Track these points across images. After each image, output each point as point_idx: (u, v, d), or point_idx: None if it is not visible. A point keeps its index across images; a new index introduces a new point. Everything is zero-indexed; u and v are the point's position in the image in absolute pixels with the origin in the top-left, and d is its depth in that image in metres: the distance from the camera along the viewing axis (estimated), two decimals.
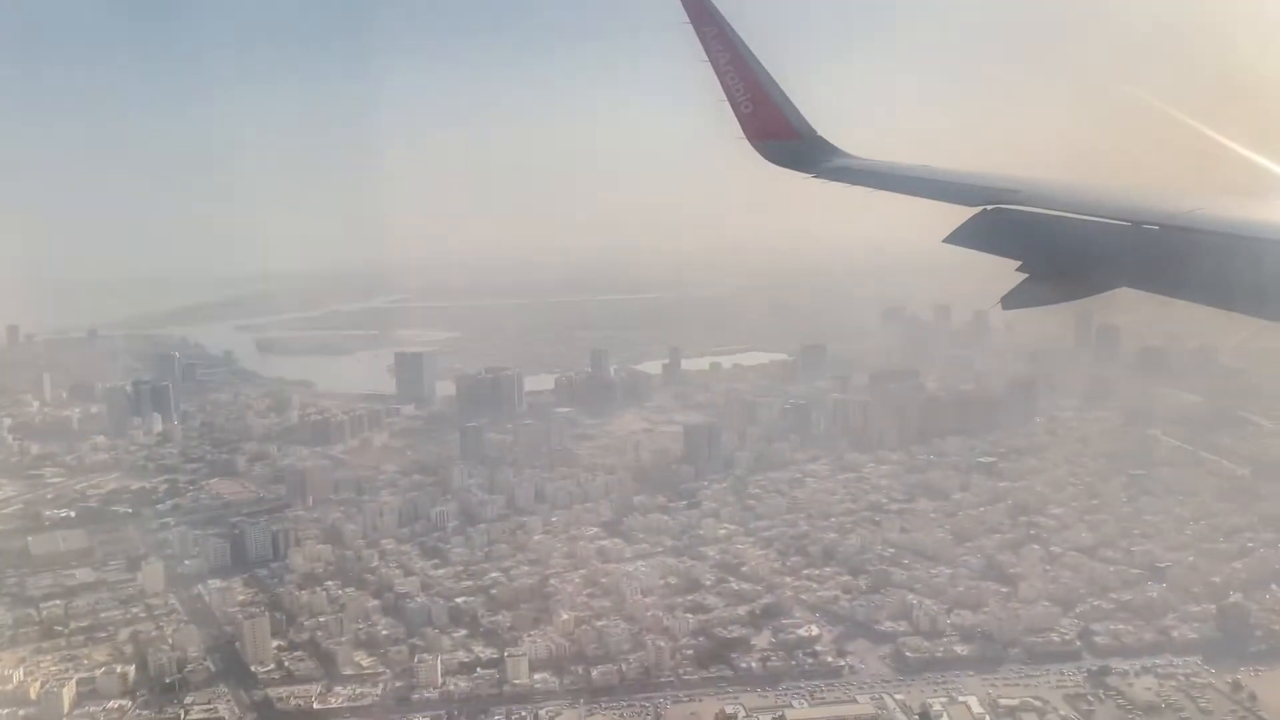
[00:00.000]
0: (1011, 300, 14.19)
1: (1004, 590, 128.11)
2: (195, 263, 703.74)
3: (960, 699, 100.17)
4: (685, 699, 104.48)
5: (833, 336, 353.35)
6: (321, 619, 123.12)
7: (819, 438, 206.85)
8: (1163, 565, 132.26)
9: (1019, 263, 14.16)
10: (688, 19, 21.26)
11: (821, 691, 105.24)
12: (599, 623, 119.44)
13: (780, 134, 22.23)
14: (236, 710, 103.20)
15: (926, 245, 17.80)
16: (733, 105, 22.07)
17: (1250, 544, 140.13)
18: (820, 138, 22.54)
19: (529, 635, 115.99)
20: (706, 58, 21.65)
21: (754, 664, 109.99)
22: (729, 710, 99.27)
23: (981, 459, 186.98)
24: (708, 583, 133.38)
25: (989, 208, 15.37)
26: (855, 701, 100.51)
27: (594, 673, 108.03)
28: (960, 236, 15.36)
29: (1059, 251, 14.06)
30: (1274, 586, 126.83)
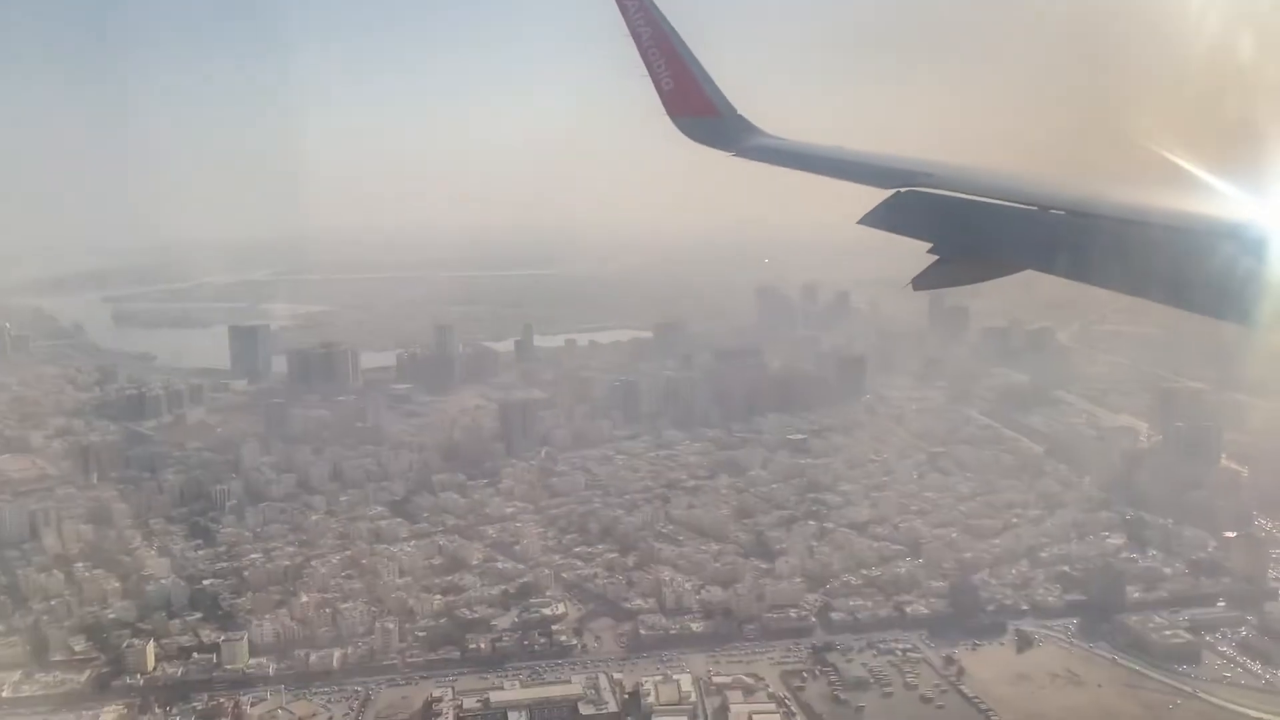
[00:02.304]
0: (922, 281, 14.23)
1: (763, 566, 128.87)
2: (79, 232, 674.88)
3: (675, 677, 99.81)
4: (401, 683, 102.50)
5: (704, 315, 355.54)
6: (53, 603, 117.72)
7: (645, 415, 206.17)
8: (924, 542, 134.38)
9: (930, 245, 14.20)
10: None
11: (544, 672, 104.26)
12: (343, 605, 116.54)
13: (700, 111, 22.20)
14: None
15: (843, 225, 17.88)
16: (654, 81, 22.05)
17: (1015, 521, 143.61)
18: (740, 116, 22.43)
19: (261, 619, 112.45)
20: (629, 32, 21.59)
21: (484, 646, 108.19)
22: (436, 694, 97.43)
23: (792, 436, 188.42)
24: (474, 562, 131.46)
25: (902, 190, 15.35)
26: (569, 682, 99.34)
27: (313, 657, 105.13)
28: (874, 218, 15.40)
29: (968, 234, 14.16)
30: (1024, 563, 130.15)
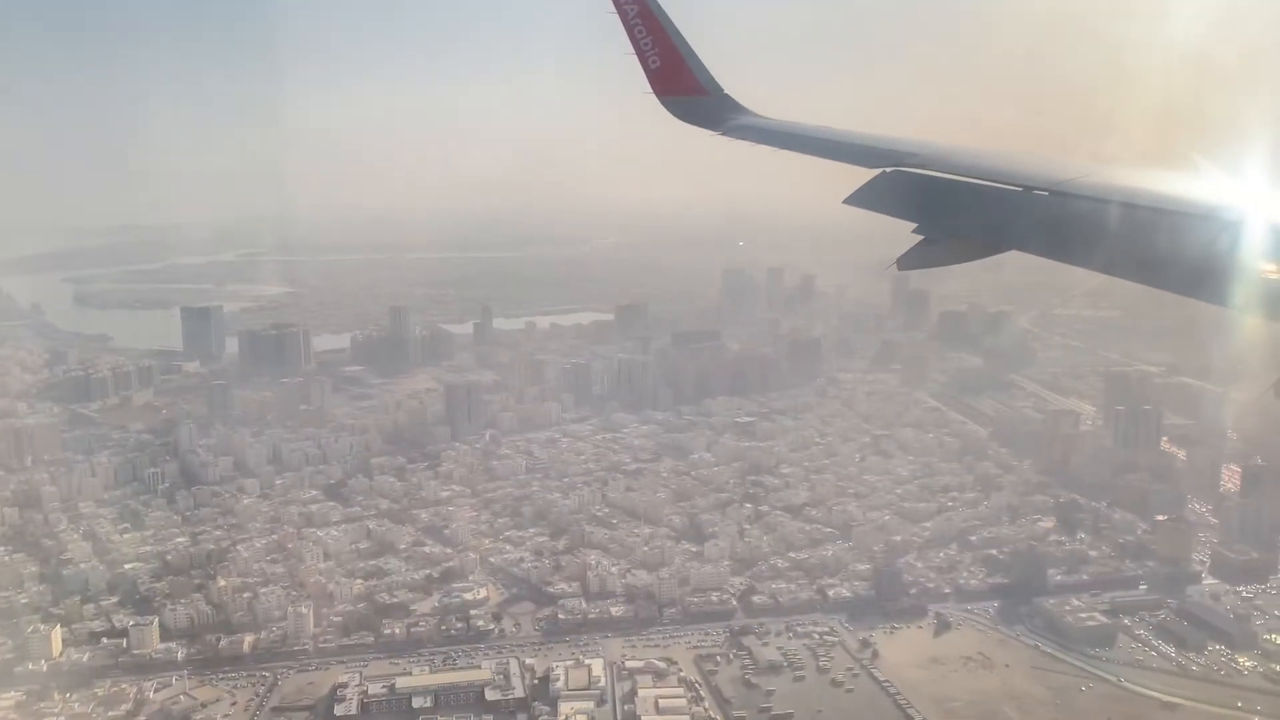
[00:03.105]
0: (906, 261, 14.20)
1: (693, 550, 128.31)
2: (51, 212, 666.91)
3: (587, 662, 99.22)
4: (311, 668, 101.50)
5: (670, 297, 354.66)
6: None
7: (596, 398, 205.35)
8: (855, 525, 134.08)
9: (915, 224, 14.23)
10: None
11: (457, 658, 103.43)
12: (262, 589, 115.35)
13: (687, 90, 22.19)
14: None
15: (828, 205, 18.03)
16: (641, 60, 21.94)
17: (950, 504, 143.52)
18: (727, 95, 22.32)
19: (176, 603, 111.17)
20: (615, 10, 21.64)
21: (399, 631, 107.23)
22: (343, 679, 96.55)
23: (740, 419, 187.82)
24: (401, 547, 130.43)
25: (888, 170, 15.38)
26: (479, 668, 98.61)
27: (223, 642, 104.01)
28: (860, 197, 15.41)
29: (953, 214, 14.22)
30: (953, 547, 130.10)
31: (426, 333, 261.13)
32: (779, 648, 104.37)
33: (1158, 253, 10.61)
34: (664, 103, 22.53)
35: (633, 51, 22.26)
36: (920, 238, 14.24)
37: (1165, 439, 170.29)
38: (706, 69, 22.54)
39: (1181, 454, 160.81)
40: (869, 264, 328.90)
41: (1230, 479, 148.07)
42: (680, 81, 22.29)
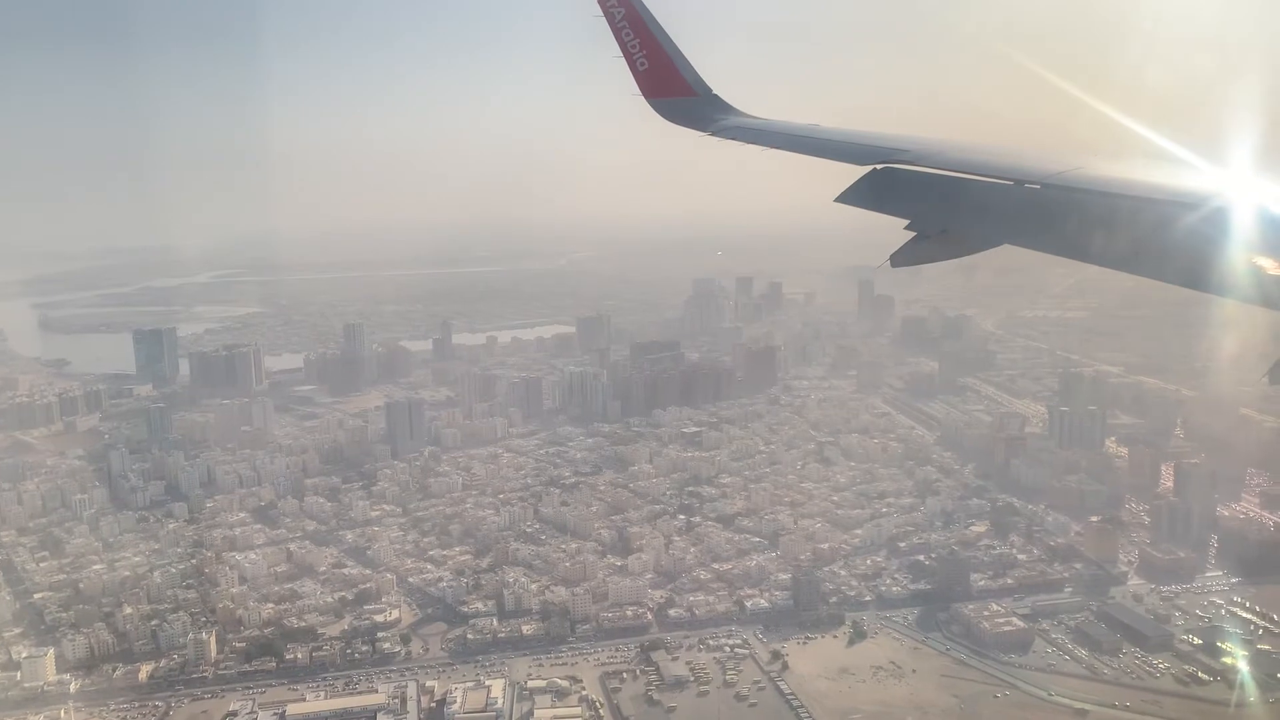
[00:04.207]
0: (900, 258, 14.19)
1: (617, 564, 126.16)
2: (27, 236, 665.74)
3: (487, 683, 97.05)
4: (206, 696, 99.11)
5: (637, 307, 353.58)
6: None
7: (546, 411, 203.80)
8: (785, 534, 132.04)
9: (907, 221, 14.25)
10: None
11: (359, 681, 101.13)
12: (171, 616, 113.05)
13: (676, 91, 22.07)
14: None
15: (819, 205, 18.01)
16: (629, 63, 21.81)
17: (885, 510, 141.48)
18: (716, 96, 22.21)
19: (78, 633, 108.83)
20: (603, 13, 21.55)
21: (301, 655, 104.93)
22: (234, 707, 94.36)
23: (688, 429, 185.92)
24: (321, 569, 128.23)
25: (879, 167, 15.36)
26: (375, 692, 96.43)
27: (118, 671, 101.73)
28: (851, 195, 15.41)
29: (945, 210, 14.21)
30: (882, 554, 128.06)
31: (383, 350, 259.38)
32: (688, 662, 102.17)
33: (1151, 243, 10.57)
34: (652, 104, 22.35)
35: (620, 54, 22.11)
36: (912, 234, 14.24)
37: (1112, 439, 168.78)
38: (694, 70, 22.39)
39: (1124, 454, 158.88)
40: (844, 269, 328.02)
41: (1168, 478, 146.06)
42: (668, 83, 22.15)
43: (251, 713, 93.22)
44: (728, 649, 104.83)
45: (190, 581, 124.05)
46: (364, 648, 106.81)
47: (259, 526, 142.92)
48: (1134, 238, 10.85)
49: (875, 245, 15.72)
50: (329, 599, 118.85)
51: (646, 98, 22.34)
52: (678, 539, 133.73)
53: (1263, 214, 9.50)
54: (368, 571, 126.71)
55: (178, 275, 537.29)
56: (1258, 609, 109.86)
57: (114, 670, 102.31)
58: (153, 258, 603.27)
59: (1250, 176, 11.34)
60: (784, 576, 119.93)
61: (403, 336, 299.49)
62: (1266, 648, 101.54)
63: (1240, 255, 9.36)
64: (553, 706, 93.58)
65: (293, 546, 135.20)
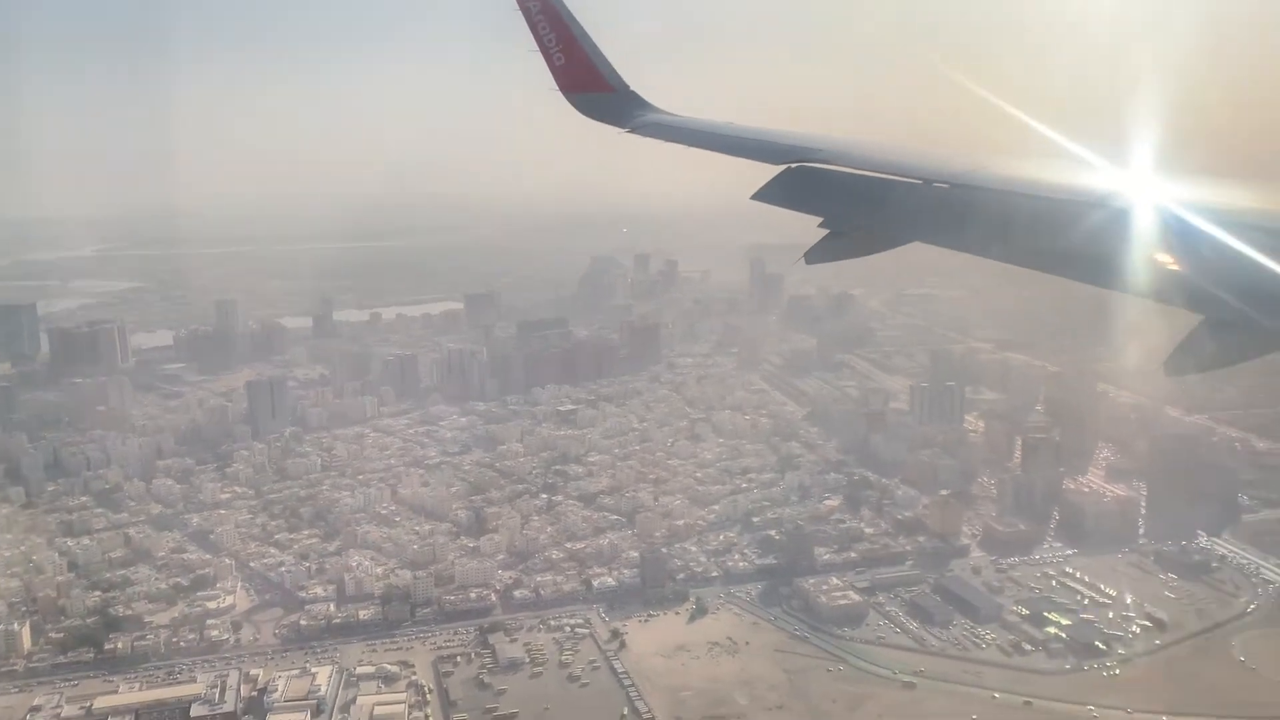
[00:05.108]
0: (814, 255, 14.37)
1: (470, 545, 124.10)
2: None
3: (314, 671, 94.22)
4: (14, 690, 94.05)
5: (532, 284, 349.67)
6: None
7: (421, 390, 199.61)
8: (643, 511, 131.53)
9: (821, 220, 14.54)
10: None
11: (181, 671, 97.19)
12: None
13: (592, 86, 22.06)
14: None
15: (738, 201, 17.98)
16: (545, 56, 21.66)
17: (745, 486, 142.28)
18: (633, 92, 22.22)
19: None
20: (519, 7, 21.35)
21: (121, 645, 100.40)
22: (38, 701, 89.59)
23: (563, 407, 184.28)
24: (159, 554, 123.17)
25: (793, 166, 15.55)
26: (194, 681, 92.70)
27: None
28: (767, 193, 15.66)
29: (856, 208, 14.57)
30: (736, 529, 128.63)
31: (258, 327, 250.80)
32: (526, 644, 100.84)
33: (1055, 241, 10.77)
34: (570, 99, 22.23)
35: (537, 48, 21.84)
36: (826, 232, 14.42)
37: (974, 414, 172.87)
38: (611, 65, 22.33)
39: (979, 427, 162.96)
40: (745, 247, 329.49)
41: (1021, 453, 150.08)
42: (585, 78, 22.06)
43: (57, 707, 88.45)
44: (568, 629, 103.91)
45: (15, 570, 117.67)
46: (191, 636, 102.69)
47: (100, 511, 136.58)
48: (1039, 236, 11.12)
49: (785, 224, 16.25)
50: (162, 585, 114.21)
51: (563, 92, 22.21)
52: (536, 519, 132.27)
53: (1161, 212, 9.68)
54: (207, 556, 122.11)
55: (60, 249, 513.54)
56: (1087, 580, 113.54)
57: None
58: (35, 230, 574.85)
59: (1150, 176, 11.71)
60: (635, 554, 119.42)
61: (285, 313, 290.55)
62: (1090, 617, 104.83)
63: (1140, 252, 9.60)
64: (378, 693, 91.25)
65: (132, 531, 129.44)
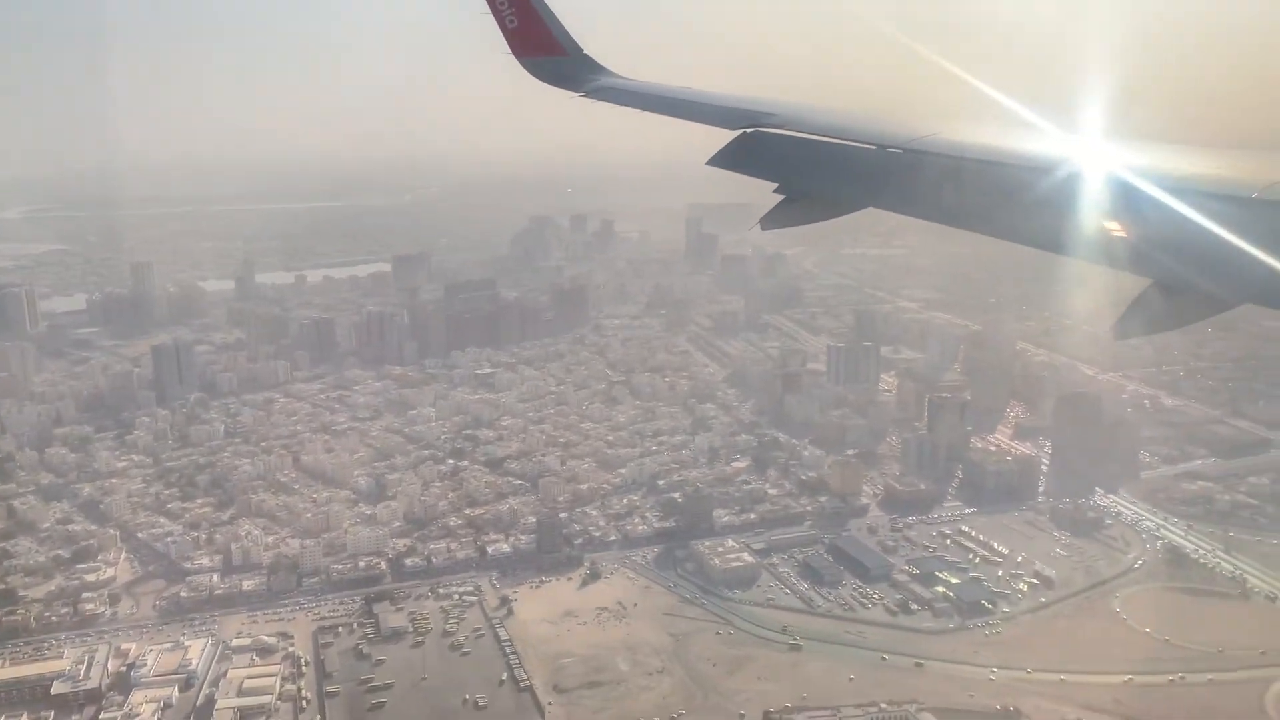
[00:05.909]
0: (769, 221, 14.35)
1: (367, 512, 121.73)
2: None
3: (187, 644, 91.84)
4: None
5: (464, 245, 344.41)
6: None
7: (338, 354, 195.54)
8: (547, 476, 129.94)
9: (775, 185, 14.51)
10: None
11: (49, 647, 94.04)
12: None
13: (546, 50, 21.53)
14: None
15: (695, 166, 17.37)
16: (497, 19, 21.02)
17: (655, 449, 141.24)
18: (587, 56, 21.81)
19: None
20: None
21: None
22: None
23: (481, 371, 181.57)
24: (44, 526, 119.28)
25: (748, 130, 15.46)
26: (60, 658, 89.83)
27: None
28: (722, 159, 15.50)
29: (811, 174, 14.59)
30: (640, 492, 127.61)
31: (177, 290, 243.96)
32: (411, 613, 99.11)
33: (1006, 207, 10.93)
34: (524, 64, 21.58)
35: (488, 10, 21.24)
36: (781, 197, 14.33)
37: (891, 374, 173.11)
38: (565, 29, 21.76)
39: (892, 388, 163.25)
40: (686, 207, 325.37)
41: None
42: (539, 42, 21.45)
43: None
44: (457, 597, 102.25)
45: None
46: (64, 610, 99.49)
47: None
48: (990, 201, 11.18)
49: (742, 187, 16.12)
50: (42, 558, 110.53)
51: (516, 56, 21.50)
52: (437, 485, 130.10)
53: (1110, 178, 9.73)
54: (94, 527, 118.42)
55: None
56: (981, 538, 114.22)
57: None
58: None
59: (1100, 142, 11.77)
60: (533, 520, 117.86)
61: (208, 275, 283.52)
62: (979, 576, 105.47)
63: (1089, 218, 9.65)
64: (249, 666, 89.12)
65: (17, 502, 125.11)
